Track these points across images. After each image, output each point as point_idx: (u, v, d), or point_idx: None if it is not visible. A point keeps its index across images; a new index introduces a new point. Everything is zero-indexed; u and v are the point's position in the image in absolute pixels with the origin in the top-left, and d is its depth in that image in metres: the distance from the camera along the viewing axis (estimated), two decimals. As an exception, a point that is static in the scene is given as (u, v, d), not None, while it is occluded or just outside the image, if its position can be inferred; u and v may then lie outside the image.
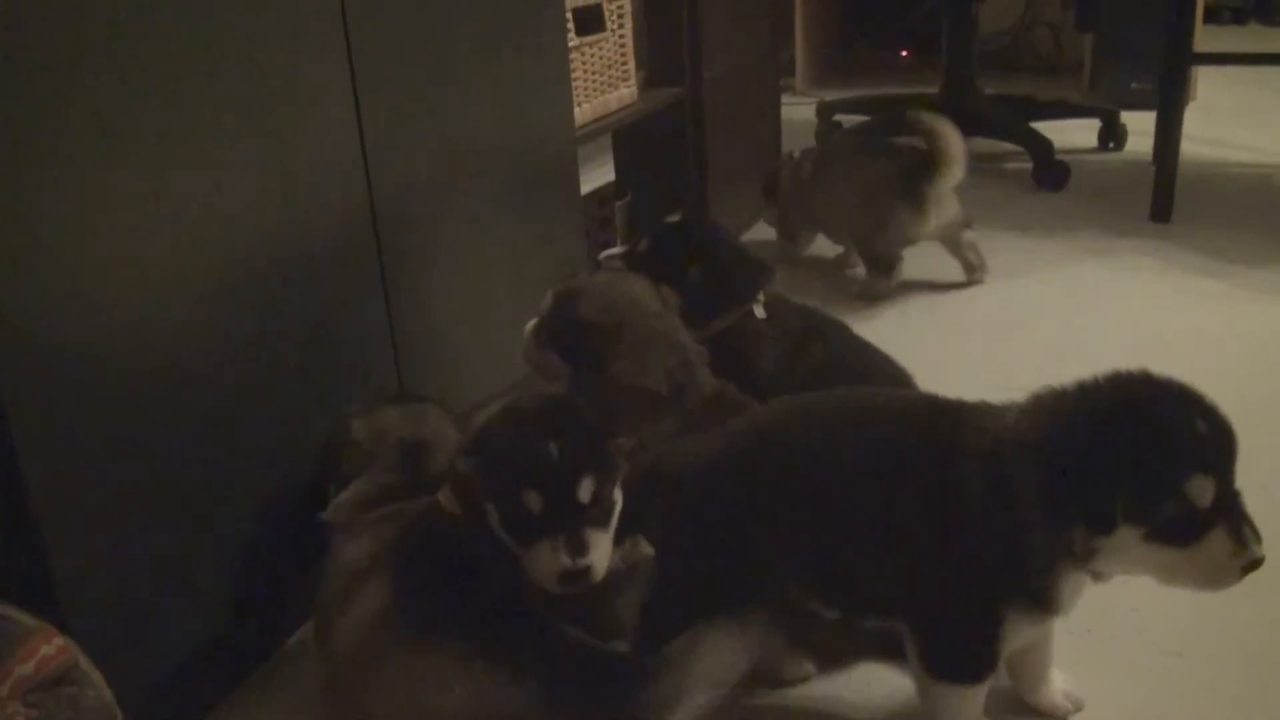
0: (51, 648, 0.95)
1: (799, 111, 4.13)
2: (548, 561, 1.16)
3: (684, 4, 2.63)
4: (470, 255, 1.74)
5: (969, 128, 3.59)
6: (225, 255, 1.27)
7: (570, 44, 2.11)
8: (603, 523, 1.20)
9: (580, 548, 1.17)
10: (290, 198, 1.36)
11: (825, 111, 3.97)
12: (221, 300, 1.27)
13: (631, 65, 2.44)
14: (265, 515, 1.36)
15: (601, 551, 1.19)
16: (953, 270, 2.68)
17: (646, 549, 1.29)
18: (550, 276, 1.64)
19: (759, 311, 1.68)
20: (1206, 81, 4.34)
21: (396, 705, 1.11)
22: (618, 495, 1.23)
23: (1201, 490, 1.04)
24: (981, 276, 2.63)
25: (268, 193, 1.32)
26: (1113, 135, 3.72)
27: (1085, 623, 1.40)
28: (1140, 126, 3.50)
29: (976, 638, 1.16)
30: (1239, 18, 5.67)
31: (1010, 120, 3.52)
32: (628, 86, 2.44)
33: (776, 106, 3.37)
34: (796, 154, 2.81)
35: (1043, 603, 1.13)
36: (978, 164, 3.59)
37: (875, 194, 2.51)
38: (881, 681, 1.37)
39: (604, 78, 2.34)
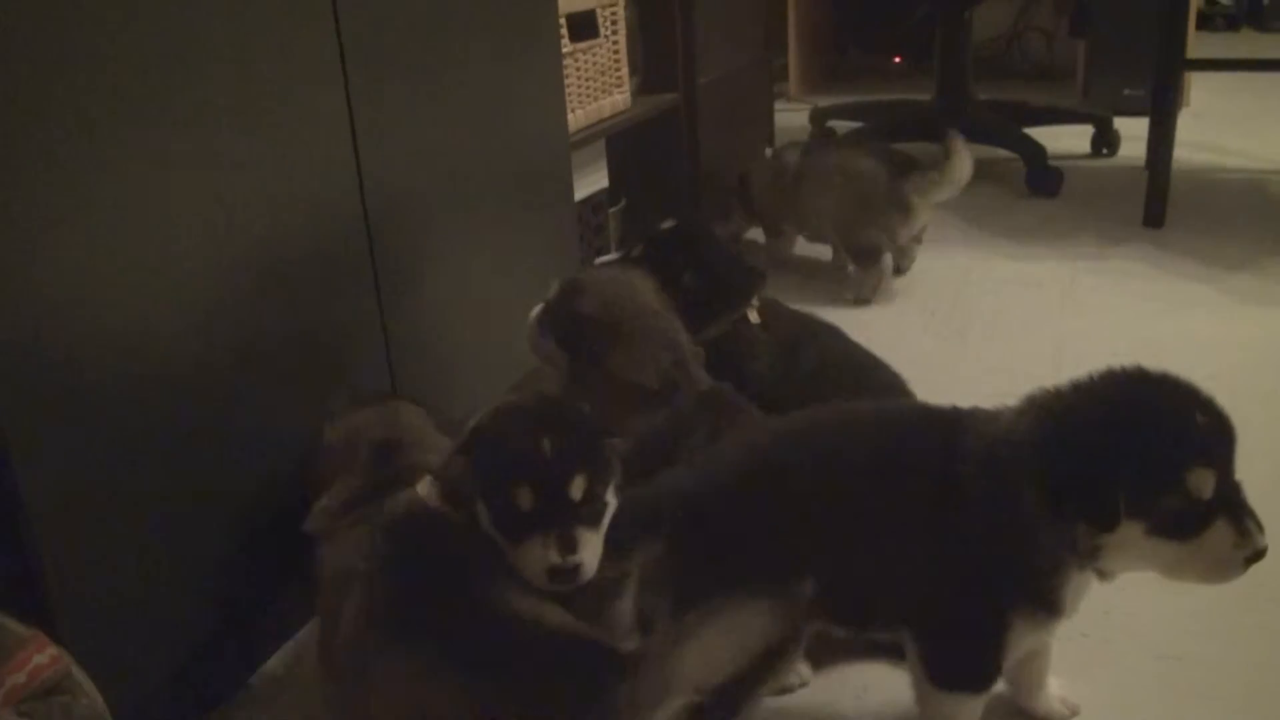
0: (44, 657, 0.95)
1: (793, 118, 4.14)
2: (537, 558, 1.15)
3: (677, 10, 2.64)
4: (464, 261, 1.74)
5: (962, 134, 3.62)
6: (216, 259, 1.26)
7: (564, 50, 2.11)
8: (594, 522, 1.20)
9: (570, 545, 1.16)
10: (282, 204, 1.35)
11: (819, 117, 3.97)
12: (213, 305, 1.26)
13: (625, 71, 2.45)
14: (258, 519, 1.35)
15: (592, 550, 1.18)
16: (947, 275, 2.69)
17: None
18: (543, 283, 1.64)
19: (753, 317, 1.68)
20: (1199, 87, 4.35)
21: (378, 707, 1.10)
22: (611, 496, 1.23)
23: (1203, 482, 1.04)
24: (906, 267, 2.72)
25: (259, 198, 1.32)
26: (1106, 141, 3.72)
27: (1081, 627, 1.40)
28: (1133, 132, 3.51)
29: (982, 646, 1.15)
30: (1232, 24, 5.69)
31: (1003, 126, 3.53)
32: (621, 93, 2.44)
33: (770, 112, 3.38)
34: (769, 152, 2.82)
35: (1048, 606, 1.13)
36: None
37: (863, 192, 2.54)
38: (878, 689, 1.37)
39: (598, 84, 2.35)
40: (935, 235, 2.97)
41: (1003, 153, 3.54)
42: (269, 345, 1.35)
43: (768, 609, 1.07)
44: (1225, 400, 1.09)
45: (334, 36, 1.42)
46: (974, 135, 3.59)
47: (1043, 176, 3.32)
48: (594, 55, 2.32)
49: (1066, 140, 3.71)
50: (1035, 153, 3.35)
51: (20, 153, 1.02)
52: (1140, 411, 1.07)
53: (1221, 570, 1.07)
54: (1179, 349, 2.18)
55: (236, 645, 1.36)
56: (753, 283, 1.73)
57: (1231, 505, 1.06)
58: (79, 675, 0.98)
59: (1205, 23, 5.46)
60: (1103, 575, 1.14)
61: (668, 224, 1.88)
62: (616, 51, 2.40)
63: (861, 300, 2.54)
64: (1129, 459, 1.05)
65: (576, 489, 1.17)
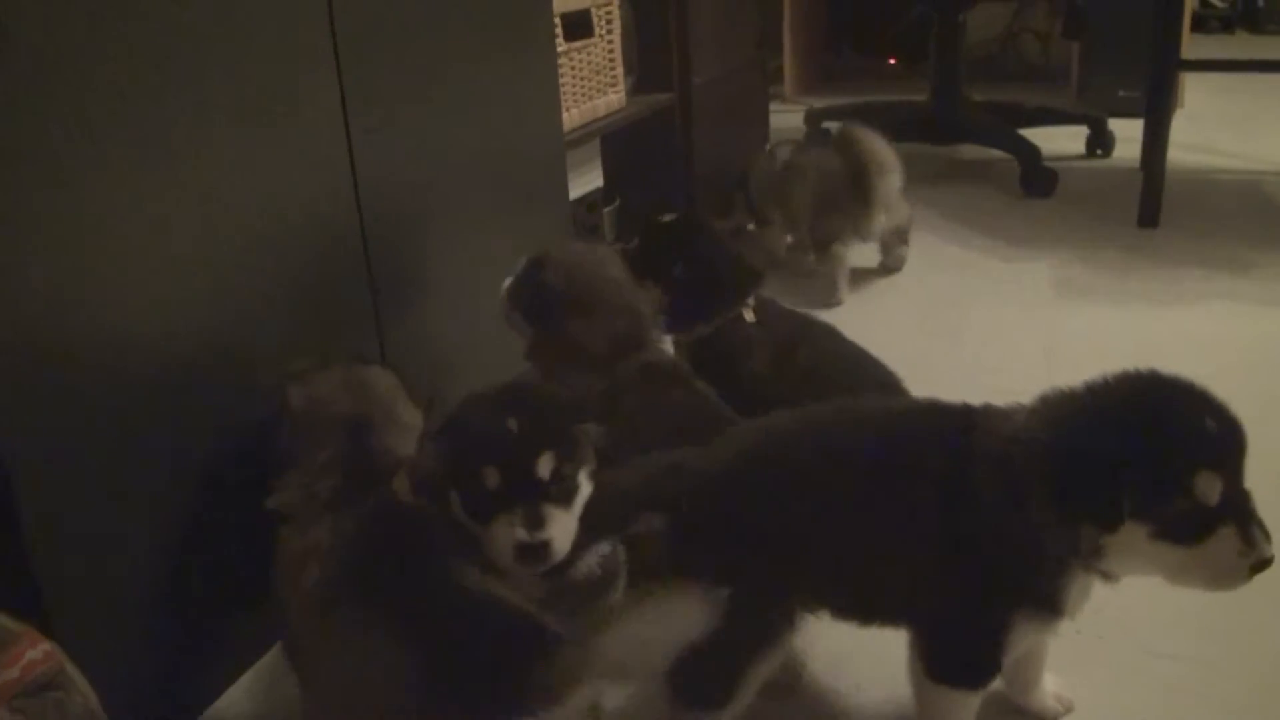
0: (37, 652, 0.95)
1: (787, 119, 4.14)
2: (504, 536, 1.15)
3: (672, 10, 2.64)
4: (458, 260, 1.73)
5: (957, 135, 3.64)
6: (210, 258, 1.26)
7: (558, 49, 2.11)
8: (564, 501, 1.19)
9: (537, 522, 1.15)
10: (277, 202, 1.35)
11: (813, 118, 3.97)
12: (207, 303, 1.26)
13: (620, 71, 2.45)
14: (254, 516, 1.34)
15: (562, 529, 1.17)
16: (942, 275, 2.69)
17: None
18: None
19: (748, 316, 1.68)
20: (1194, 89, 4.36)
21: (326, 672, 1.10)
22: (584, 478, 1.22)
23: (1209, 486, 1.03)
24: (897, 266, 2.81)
25: (254, 196, 1.31)
26: (1101, 142, 3.73)
27: (1076, 625, 1.39)
28: (1128, 133, 3.51)
29: (983, 642, 1.15)
30: (1226, 26, 5.70)
31: (998, 127, 3.53)
32: (616, 92, 2.44)
33: (765, 113, 3.38)
34: (770, 147, 2.85)
35: (1050, 606, 1.13)
36: (966, 171, 3.62)
37: (830, 187, 2.60)
38: (873, 685, 1.37)
39: (592, 83, 2.35)
40: (929, 235, 2.99)
41: (997, 153, 3.56)
42: (263, 344, 1.35)
43: (698, 600, 1.07)
44: (1232, 409, 1.09)
45: (329, 34, 1.42)
46: (969, 136, 3.62)
47: (1037, 177, 3.32)
48: (589, 54, 2.32)
49: (1061, 141, 3.72)
50: (1030, 154, 3.35)
51: (14, 151, 1.02)
52: (1149, 413, 1.07)
53: (1226, 577, 1.06)
54: (1174, 349, 2.18)
55: (232, 640, 1.36)
56: (748, 282, 1.73)
57: (1238, 512, 1.05)
58: (72, 671, 0.97)
59: (1200, 24, 5.47)
60: (1107, 577, 1.13)
61: (668, 217, 1.88)
62: (611, 51, 2.40)
63: (832, 303, 2.56)
64: (1134, 459, 1.04)
65: (544, 467, 1.17)
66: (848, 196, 2.57)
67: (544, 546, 1.16)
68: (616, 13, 2.40)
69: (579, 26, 2.27)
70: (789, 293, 2.26)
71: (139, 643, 1.22)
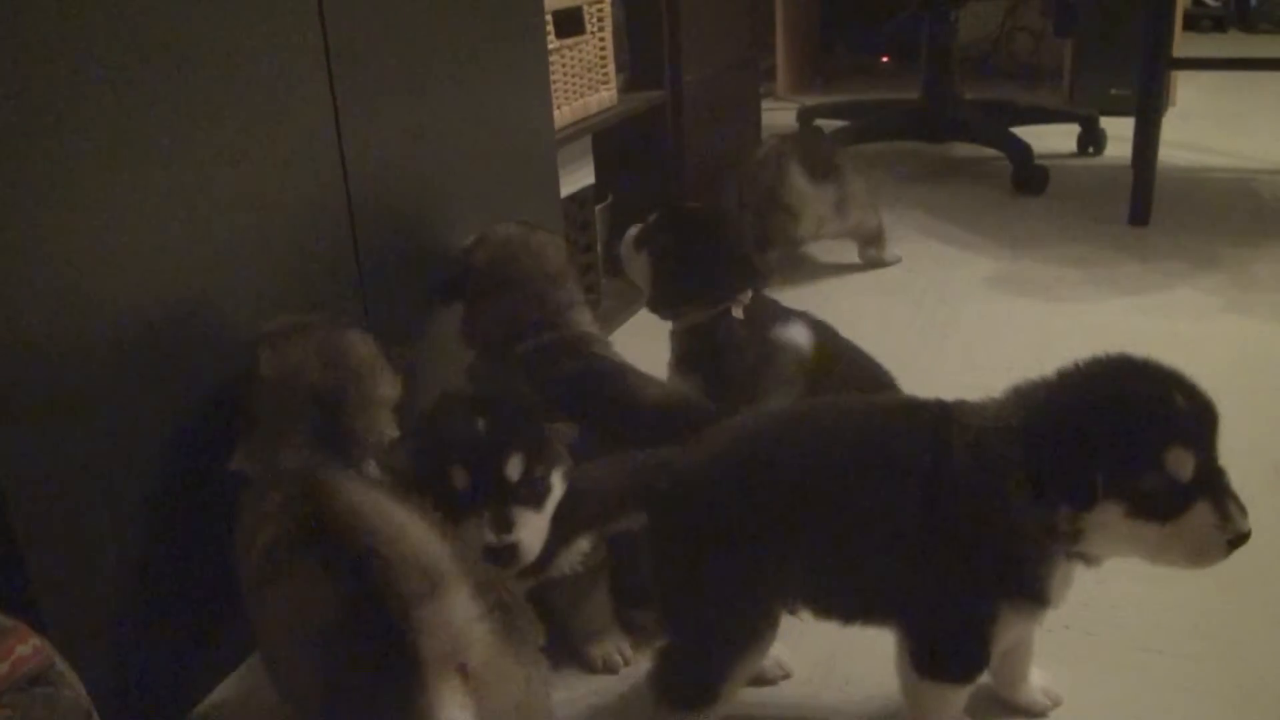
0: (27, 647, 0.95)
1: (780, 116, 4.15)
2: (472, 538, 1.15)
3: (664, 7, 2.64)
4: (448, 256, 1.73)
5: (949, 133, 3.65)
6: (201, 253, 1.26)
7: (550, 46, 2.11)
8: (533, 503, 1.20)
9: (505, 524, 1.16)
10: (268, 198, 1.35)
11: (806, 116, 3.98)
12: (197, 298, 1.26)
13: (611, 68, 2.44)
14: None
15: (531, 531, 1.18)
16: (934, 272, 2.70)
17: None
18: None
19: (737, 312, 1.67)
20: (1186, 88, 4.37)
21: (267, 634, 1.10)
22: (556, 479, 1.22)
23: (1181, 462, 1.04)
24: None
25: (245, 193, 1.32)
26: (1092, 140, 3.74)
27: (1063, 619, 1.41)
28: (1119, 131, 3.52)
29: (969, 635, 1.16)
30: (1218, 25, 5.71)
31: (990, 125, 3.54)
32: (608, 89, 2.44)
33: (757, 111, 3.38)
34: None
35: (1035, 595, 1.13)
36: (958, 168, 3.63)
37: (772, 185, 2.65)
38: (860, 682, 1.37)
39: (584, 80, 2.35)
40: (921, 232, 2.99)
41: (989, 151, 3.56)
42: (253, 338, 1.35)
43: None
44: (1205, 390, 1.09)
45: (320, 32, 1.42)
46: (961, 134, 3.63)
47: (1029, 175, 3.33)
48: (580, 52, 2.32)
49: (1053, 139, 3.72)
50: (1021, 151, 3.36)
51: (8, 147, 1.02)
52: (1118, 392, 1.08)
53: (1204, 553, 1.07)
54: (1163, 346, 2.16)
55: (222, 636, 1.36)
56: (740, 280, 1.72)
57: (1213, 488, 1.06)
58: (62, 666, 0.97)
59: (1192, 24, 5.48)
60: (1088, 561, 1.14)
61: (691, 204, 1.89)
62: (603, 48, 2.40)
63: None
64: (1106, 437, 1.05)
65: (513, 469, 1.17)
66: (777, 198, 2.65)
67: (511, 549, 1.16)
68: (608, 10, 2.40)
69: (571, 24, 2.27)
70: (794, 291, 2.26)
71: (130, 637, 1.22)
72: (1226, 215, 3.04)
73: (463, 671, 0.97)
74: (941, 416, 1.18)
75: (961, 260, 2.81)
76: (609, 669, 1.42)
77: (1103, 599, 1.46)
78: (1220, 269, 2.63)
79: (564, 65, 2.25)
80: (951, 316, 2.47)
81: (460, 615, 0.96)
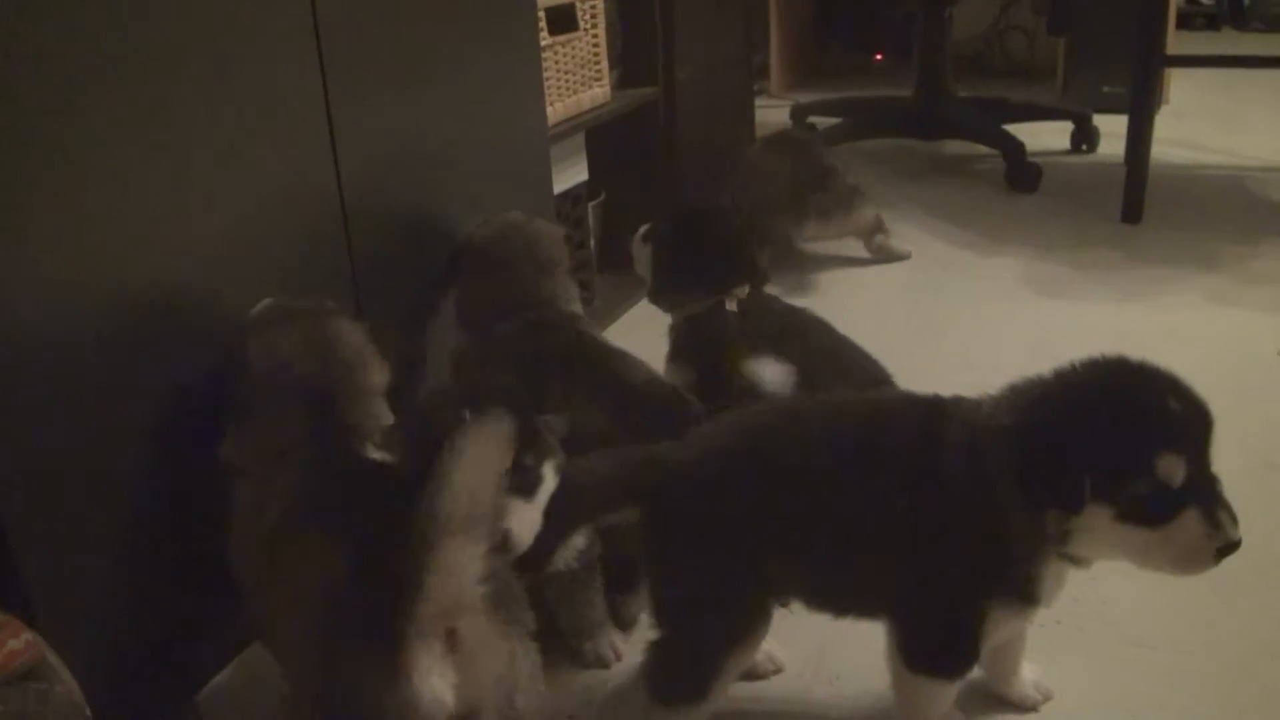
0: (19, 642, 0.95)
1: (773, 114, 4.15)
2: None
3: (657, 4, 2.64)
4: (440, 252, 1.73)
5: (942, 130, 3.65)
6: (192, 247, 1.26)
7: (543, 43, 2.11)
8: (524, 493, 1.20)
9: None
10: (259, 192, 1.35)
11: (799, 114, 3.98)
12: (189, 292, 1.26)
13: (604, 65, 2.44)
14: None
15: (522, 521, 1.19)
16: (928, 269, 2.70)
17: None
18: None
19: (731, 305, 1.68)
20: (1179, 86, 4.38)
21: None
22: (548, 470, 1.23)
23: (1172, 468, 1.03)
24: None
25: (236, 187, 1.31)
26: (1085, 137, 3.74)
27: (1055, 614, 1.41)
28: (1113, 129, 3.52)
29: (959, 632, 1.16)
30: (1212, 24, 5.72)
31: (983, 122, 3.54)
32: (601, 86, 2.44)
33: (750, 108, 3.38)
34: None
35: (1024, 594, 1.13)
36: (951, 166, 3.63)
37: (766, 189, 2.68)
38: (851, 677, 1.37)
39: (577, 77, 2.35)
40: (916, 230, 3.00)
41: (983, 149, 3.57)
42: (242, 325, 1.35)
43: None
44: (1201, 394, 1.09)
45: (311, 27, 1.42)
46: (954, 132, 3.63)
47: (1022, 172, 3.33)
48: (573, 48, 2.32)
49: (1046, 137, 3.73)
50: (1014, 149, 3.36)
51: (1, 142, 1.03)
52: (1111, 396, 1.07)
53: (1192, 561, 1.06)
54: (1156, 344, 2.17)
55: (216, 631, 1.36)
56: (736, 274, 1.73)
57: (1204, 495, 1.05)
58: (54, 661, 0.98)
59: (1186, 22, 5.48)
60: (1077, 562, 1.14)
61: (699, 204, 1.94)
62: (596, 45, 2.40)
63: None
64: (1096, 441, 1.04)
65: None
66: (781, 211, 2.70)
67: (503, 539, 1.16)
68: (601, 7, 2.39)
69: (563, 20, 2.27)
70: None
71: (122, 631, 1.22)
72: (1219, 213, 3.05)
73: (451, 637, 0.98)
74: (936, 412, 1.18)
75: (955, 257, 2.82)
76: (600, 663, 1.43)
77: (1094, 594, 1.46)
78: (1212, 266, 2.64)
79: (557, 62, 2.25)
80: (945, 313, 2.47)
81: (469, 569, 0.97)
